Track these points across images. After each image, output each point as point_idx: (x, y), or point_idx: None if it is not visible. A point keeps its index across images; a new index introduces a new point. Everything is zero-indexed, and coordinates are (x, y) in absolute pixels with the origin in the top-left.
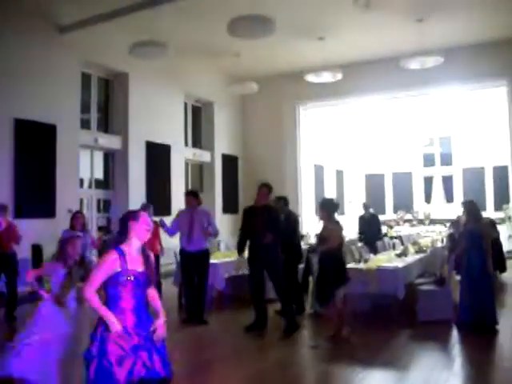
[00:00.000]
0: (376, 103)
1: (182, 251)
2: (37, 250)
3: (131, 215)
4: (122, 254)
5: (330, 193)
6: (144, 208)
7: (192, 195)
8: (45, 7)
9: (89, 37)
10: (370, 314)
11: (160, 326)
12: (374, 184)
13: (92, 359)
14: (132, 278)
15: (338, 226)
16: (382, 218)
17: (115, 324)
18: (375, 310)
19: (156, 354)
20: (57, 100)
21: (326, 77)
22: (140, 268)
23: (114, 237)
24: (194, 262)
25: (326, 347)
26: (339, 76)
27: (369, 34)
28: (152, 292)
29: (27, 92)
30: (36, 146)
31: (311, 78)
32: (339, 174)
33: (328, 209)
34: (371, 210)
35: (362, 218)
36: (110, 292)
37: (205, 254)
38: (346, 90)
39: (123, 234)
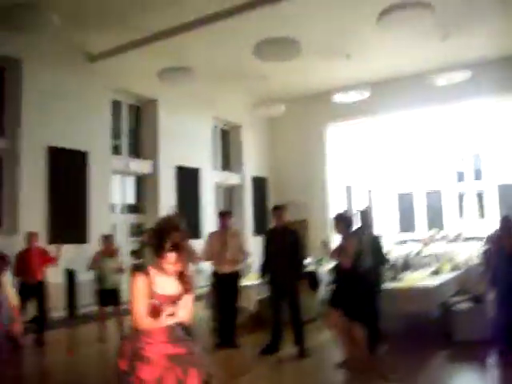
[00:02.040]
0: (405, 120)
1: (214, 273)
2: (70, 274)
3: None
4: (149, 277)
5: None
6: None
7: (226, 215)
8: (75, 37)
9: (118, 64)
10: (404, 333)
11: None
12: (404, 202)
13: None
14: (166, 301)
15: (354, 240)
16: (412, 236)
17: None
18: (410, 330)
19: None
20: (89, 127)
21: (354, 95)
22: (174, 291)
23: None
24: (226, 284)
25: (360, 368)
26: (367, 94)
27: (395, 50)
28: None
29: (60, 120)
30: (69, 172)
31: (339, 97)
32: (369, 193)
33: (343, 222)
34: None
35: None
36: None
37: (236, 276)
38: (374, 107)
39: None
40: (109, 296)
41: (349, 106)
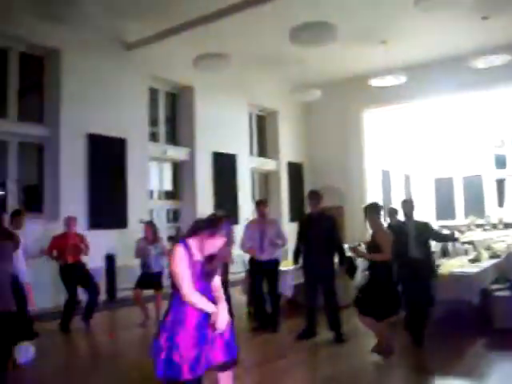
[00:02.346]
0: (443, 105)
1: (251, 260)
2: (110, 259)
3: (212, 225)
4: (186, 246)
5: (398, 198)
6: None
7: (263, 204)
8: (112, 26)
9: (154, 52)
10: (443, 320)
11: (215, 314)
12: (442, 188)
13: (160, 351)
14: (199, 267)
15: (388, 232)
16: (451, 223)
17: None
18: (448, 317)
19: (220, 338)
20: (127, 114)
21: (390, 80)
22: (202, 258)
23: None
24: (264, 271)
25: (397, 356)
26: (403, 78)
27: (432, 34)
28: (215, 283)
29: (99, 107)
30: (108, 159)
31: (375, 82)
32: (407, 178)
33: (373, 212)
34: (400, 218)
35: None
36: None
37: (275, 264)
38: (411, 92)
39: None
40: (151, 280)
41: (385, 90)
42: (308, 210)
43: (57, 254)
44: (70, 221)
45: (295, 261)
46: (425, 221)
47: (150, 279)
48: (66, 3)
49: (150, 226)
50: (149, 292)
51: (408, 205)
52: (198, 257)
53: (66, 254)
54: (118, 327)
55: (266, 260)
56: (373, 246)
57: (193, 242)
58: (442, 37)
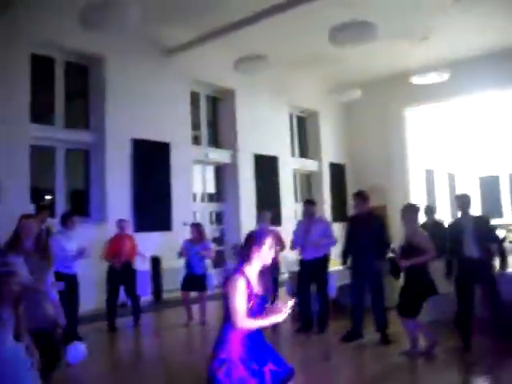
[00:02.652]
0: (487, 101)
1: (300, 260)
2: (155, 261)
3: (254, 241)
4: (247, 279)
5: (442, 198)
6: (260, 218)
7: (309, 203)
8: (153, 32)
9: (194, 56)
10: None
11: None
12: (488, 186)
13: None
14: (258, 301)
15: (423, 233)
16: (499, 221)
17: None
18: (498, 317)
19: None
20: (169, 118)
21: (433, 77)
22: (260, 291)
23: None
24: (310, 270)
25: (446, 356)
26: (446, 76)
27: (474, 29)
28: None
29: (142, 112)
30: (152, 163)
31: (417, 79)
32: (451, 177)
33: (410, 214)
34: (437, 217)
35: (423, 227)
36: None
37: (321, 262)
38: (454, 89)
39: (246, 256)
40: (195, 282)
41: (428, 87)
42: (355, 210)
43: (111, 256)
44: (123, 223)
45: (343, 261)
46: (484, 215)
47: (193, 280)
48: (109, 11)
49: (196, 226)
50: (194, 293)
51: (462, 199)
52: (256, 290)
53: (120, 255)
54: (164, 328)
55: (310, 259)
56: (410, 248)
57: (249, 269)
58: (484, 31)
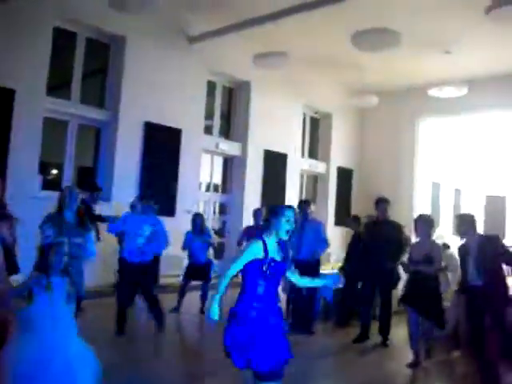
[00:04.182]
0: (501, 121)
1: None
2: None
3: (274, 213)
4: (265, 243)
5: (447, 212)
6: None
7: (306, 204)
8: (176, 18)
9: (215, 47)
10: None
11: None
12: (494, 206)
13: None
14: (273, 265)
15: (437, 245)
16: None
17: None
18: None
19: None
20: (184, 106)
21: (450, 91)
22: (278, 257)
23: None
24: (302, 271)
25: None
26: (464, 91)
27: (499, 46)
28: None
29: (158, 96)
30: (162, 148)
31: (434, 92)
32: (457, 192)
33: (428, 225)
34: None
35: None
36: (248, 278)
37: (310, 263)
38: (471, 105)
39: (266, 226)
40: (199, 271)
41: (444, 101)
42: (379, 215)
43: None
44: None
45: (345, 263)
46: (492, 234)
47: (197, 269)
48: None
49: (198, 217)
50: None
51: (463, 219)
52: (273, 255)
53: None
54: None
55: (301, 259)
56: (428, 258)
57: (268, 237)
58: (508, 50)
